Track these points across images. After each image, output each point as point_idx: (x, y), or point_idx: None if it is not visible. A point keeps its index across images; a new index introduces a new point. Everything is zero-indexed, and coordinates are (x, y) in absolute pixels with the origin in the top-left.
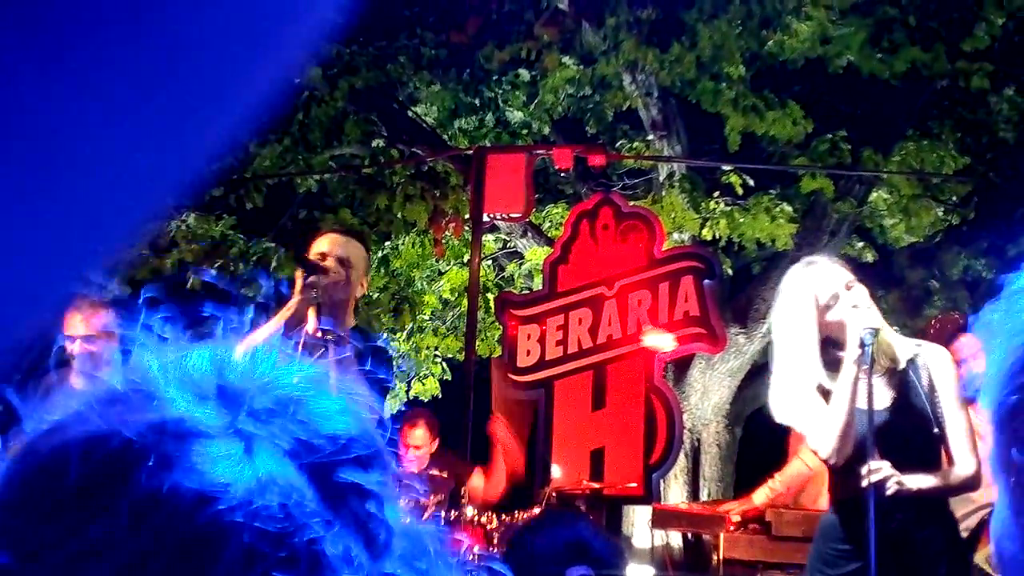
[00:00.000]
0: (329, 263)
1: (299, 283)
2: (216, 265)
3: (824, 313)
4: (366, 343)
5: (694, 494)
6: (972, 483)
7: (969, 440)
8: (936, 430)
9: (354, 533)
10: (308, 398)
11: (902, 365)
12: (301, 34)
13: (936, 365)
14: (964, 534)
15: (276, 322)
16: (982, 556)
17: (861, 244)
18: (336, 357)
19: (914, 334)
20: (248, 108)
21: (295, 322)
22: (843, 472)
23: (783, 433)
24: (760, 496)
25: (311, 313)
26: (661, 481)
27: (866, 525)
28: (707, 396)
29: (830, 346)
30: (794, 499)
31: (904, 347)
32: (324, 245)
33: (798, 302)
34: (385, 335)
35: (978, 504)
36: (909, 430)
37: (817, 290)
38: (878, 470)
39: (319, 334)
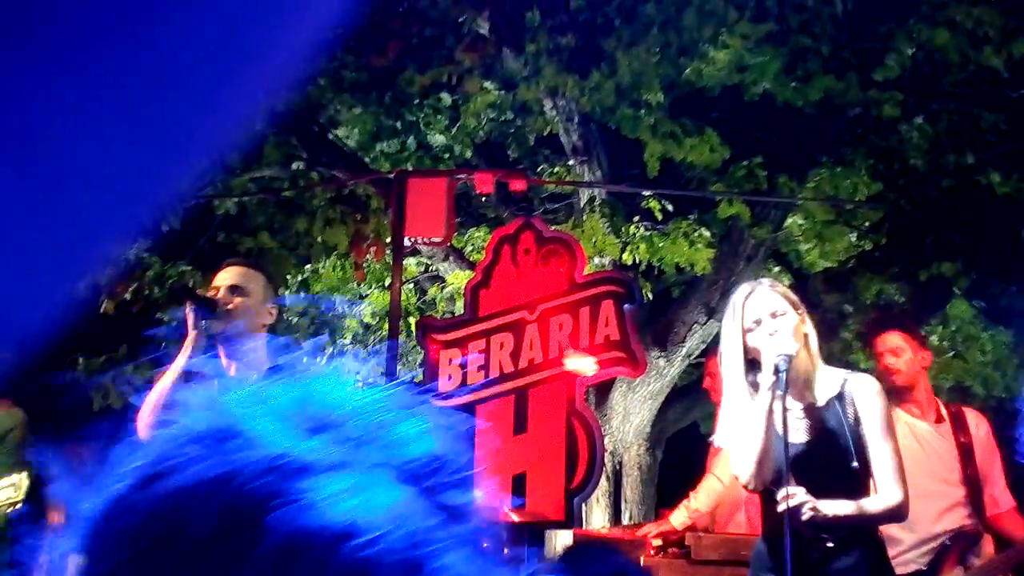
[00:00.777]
0: (219, 294)
1: (189, 318)
2: (131, 289)
3: (746, 336)
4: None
5: (616, 517)
6: (898, 513)
7: (896, 471)
8: (856, 464)
9: (472, 551)
10: (395, 421)
11: (821, 401)
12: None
13: (862, 395)
14: (924, 561)
15: (182, 358)
16: None
17: (777, 268)
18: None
19: (828, 357)
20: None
21: (198, 355)
22: (767, 499)
23: (704, 455)
24: (678, 517)
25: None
26: (583, 505)
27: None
28: (628, 419)
29: (756, 369)
30: (712, 516)
31: (830, 379)
32: (221, 276)
33: (728, 322)
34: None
35: (936, 533)
36: (829, 459)
37: (745, 312)
38: (792, 496)
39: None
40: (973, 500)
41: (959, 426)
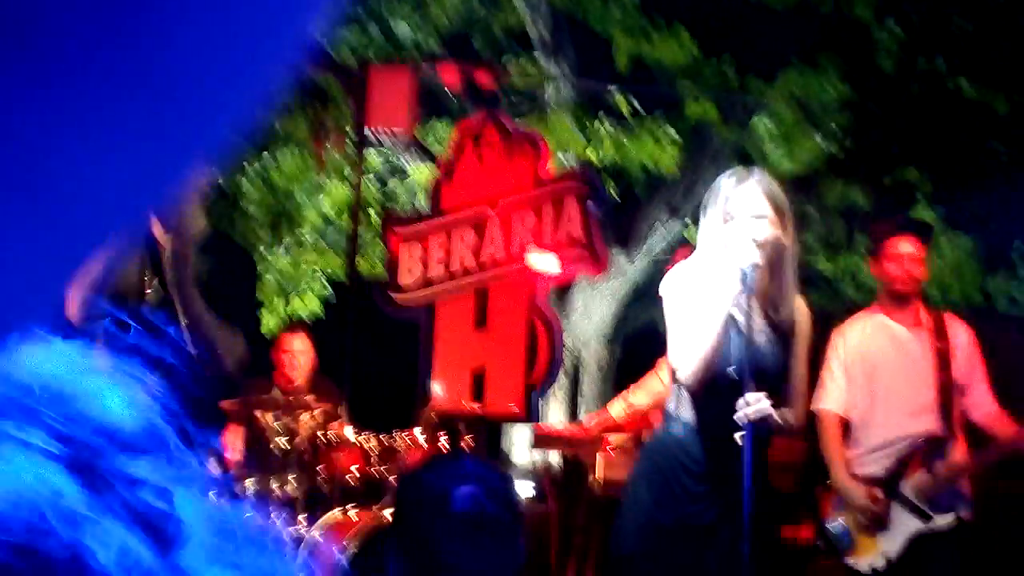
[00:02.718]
0: None
1: None
2: None
3: (724, 224)
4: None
5: (573, 413)
6: (797, 428)
7: (802, 392)
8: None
9: (130, 528)
10: (64, 384)
11: (784, 315)
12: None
13: (799, 316)
14: (889, 463)
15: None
16: (909, 485)
17: (759, 169)
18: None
19: None
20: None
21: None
22: (707, 395)
23: (660, 353)
24: (616, 408)
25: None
26: (541, 400)
27: (741, 456)
28: (588, 317)
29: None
30: (651, 412)
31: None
32: None
33: (712, 209)
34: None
35: (903, 435)
36: (778, 369)
37: (729, 201)
38: (758, 401)
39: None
40: (944, 406)
41: (938, 331)
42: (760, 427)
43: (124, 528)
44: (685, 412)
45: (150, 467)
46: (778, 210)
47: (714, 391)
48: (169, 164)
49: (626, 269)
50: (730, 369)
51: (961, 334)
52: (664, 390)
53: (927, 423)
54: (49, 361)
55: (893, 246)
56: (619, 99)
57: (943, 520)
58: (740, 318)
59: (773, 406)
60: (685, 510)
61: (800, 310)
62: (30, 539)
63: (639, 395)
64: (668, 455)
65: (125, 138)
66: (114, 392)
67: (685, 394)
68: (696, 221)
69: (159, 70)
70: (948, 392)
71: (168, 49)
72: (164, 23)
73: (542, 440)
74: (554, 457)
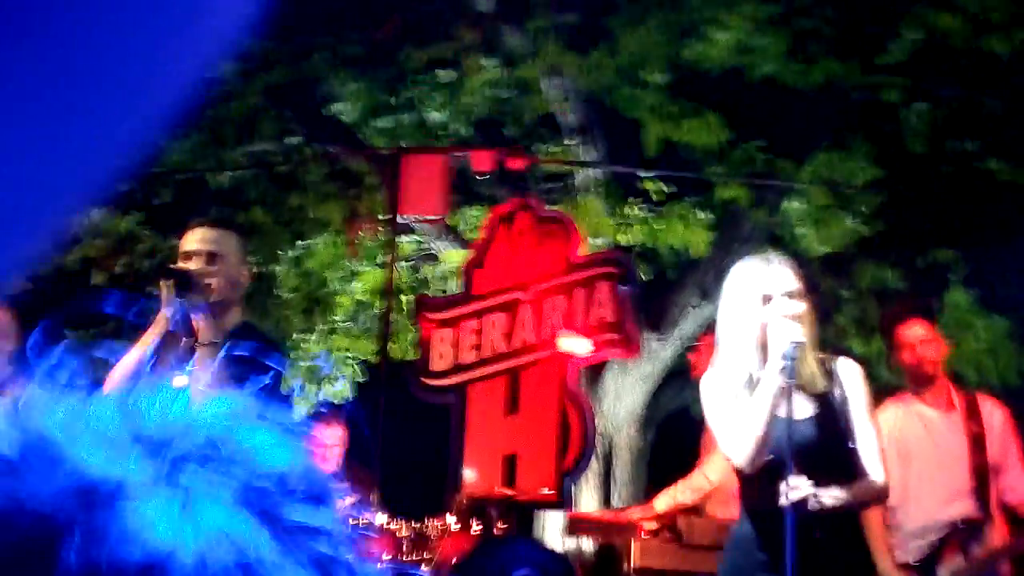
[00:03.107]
0: (195, 265)
1: (164, 295)
2: (122, 262)
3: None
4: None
5: (606, 499)
6: (883, 494)
7: (879, 452)
8: (853, 444)
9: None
10: (237, 434)
11: (822, 387)
12: (215, 29)
13: (850, 379)
14: (927, 550)
15: (145, 342)
16: (946, 572)
17: (774, 253)
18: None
19: (823, 342)
20: (161, 103)
21: (167, 342)
22: (756, 483)
23: (695, 438)
24: (661, 503)
25: (196, 323)
26: (573, 486)
27: (785, 541)
28: (620, 401)
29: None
30: (702, 509)
31: (819, 363)
32: (192, 243)
33: (741, 295)
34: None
35: (940, 520)
36: (827, 444)
37: (758, 287)
38: (796, 488)
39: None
40: (980, 489)
41: (971, 414)
42: (803, 510)
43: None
44: (750, 502)
45: (325, 517)
46: (800, 285)
47: (767, 479)
48: (78, 168)
49: (658, 352)
50: (769, 456)
51: (996, 414)
52: (709, 487)
53: (963, 507)
54: (222, 415)
55: (902, 334)
56: (649, 183)
57: None
58: (782, 397)
59: (822, 484)
60: None
61: (846, 370)
62: None
63: (686, 492)
64: (742, 550)
65: (31, 141)
66: (282, 443)
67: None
68: None
69: (66, 74)
70: (983, 475)
71: (75, 54)
72: (72, 29)
73: (575, 526)
74: (587, 544)
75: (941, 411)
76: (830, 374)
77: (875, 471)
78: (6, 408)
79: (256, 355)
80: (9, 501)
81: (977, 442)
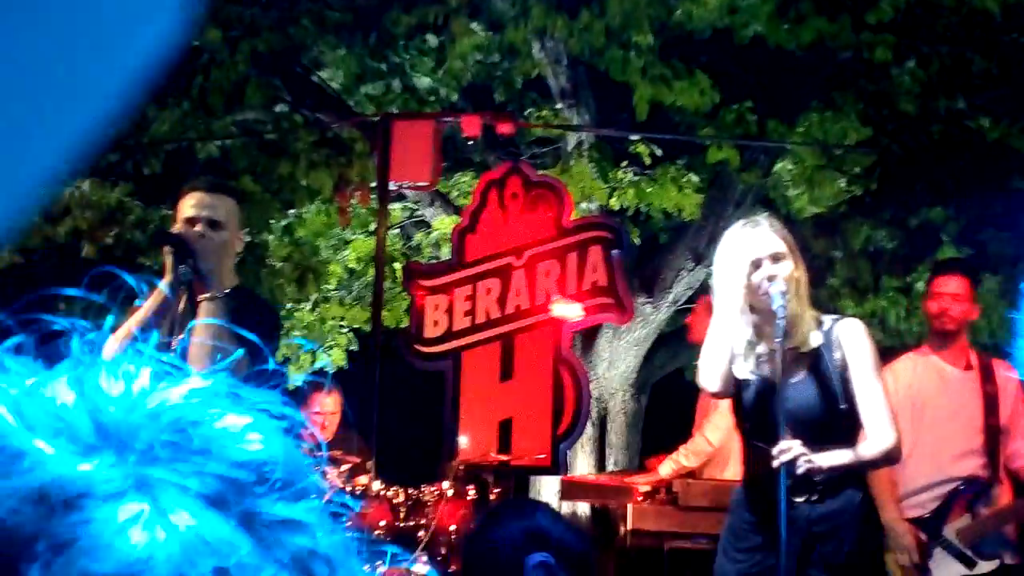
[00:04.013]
0: (199, 232)
1: (168, 262)
2: (112, 233)
3: (746, 274)
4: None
5: (600, 463)
6: (893, 455)
7: (888, 413)
8: (845, 406)
9: (290, 573)
10: (210, 419)
11: (812, 345)
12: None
13: (849, 339)
14: (933, 505)
15: (143, 312)
16: (952, 529)
17: (766, 214)
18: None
19: (816, 303)
20: (135, 70)
21: (166, 308)
22: (752, 448)
23: (689, 402)
24: (666, 468)
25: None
26: (568, 452)
27: (776, 503)
28: (614, 365)
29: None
30: (698, 473)
31: (815, 323)
32: (190, 208)
33: (730, 260)
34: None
35: (948, 477)
36: (819, 407)
37: (747, 251)
38: (788, 449)
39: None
40: (990, 449)
41: (987, 376)
42: (794, 473)
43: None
44: (747, 466)
45: (302, 507)
46: (790, 246)
47: (758, 440)
48: (76, 118)
49: (651, 317)
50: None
51: (1010, 381)
52: (710, 450)
53: (972, 466)
54: (189, 397)
55: (937, 284)
56: (640, 147)
57: (987, 566)
58: (769, 365)
59: (817, 447)
60: (751, 560)
61: (848, 331)
62: None
63: (689, 456)
64: (736, 509)
65: (28, 93)
66: (260, 426)
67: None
68: None
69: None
70: (995, 436)
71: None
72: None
73: (570, 490)
74: (583, 508)
75: (959, 369)
76: (828, 336)
77: (883, 432)
78: None
79: (259, 312)
80: None
81: (991, 403)
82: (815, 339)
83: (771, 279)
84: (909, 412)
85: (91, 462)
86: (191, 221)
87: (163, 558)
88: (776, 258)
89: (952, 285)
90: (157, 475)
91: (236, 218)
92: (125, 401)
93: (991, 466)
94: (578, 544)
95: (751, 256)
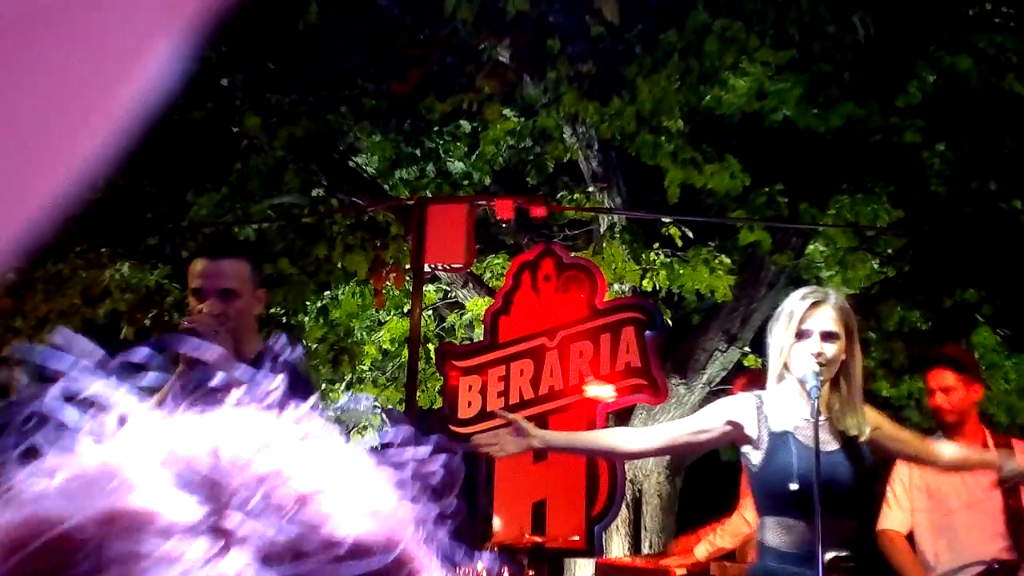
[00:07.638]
0: (209, 311)
1: (180, 369)
2: (151, 315)
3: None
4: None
5: (635, 546)
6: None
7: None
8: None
9: None
10: (318, 496)
11: (865, 436)
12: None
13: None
14: None
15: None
16: None
17: (837, 290)
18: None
19: None
20: (117, 118)
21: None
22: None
23: (724, 484)
24: (702, 550)
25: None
26: (603, 533)
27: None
28: None
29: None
30: (737, 554)
31: (864, 419)
32: (196, 279)
33: (781, 323)
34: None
35: (972, 561)
36: (847, 482)
37: (798, 320)
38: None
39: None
40: (1015, 532)
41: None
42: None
43: None
44: (772, 539)
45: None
46: (848, 331)
47: (787, 509)
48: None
49: (685, 398)
50: (792, 485)
51: None
52: (749, 530)
53: (997, 549)
54: (305, 464)
55: (933, 379)
56: (672, 229)
57: None
58: (807, 433)
59: (848, 517)
60: None
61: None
62: None
63: (724, 537)
64: None
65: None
66: (368, 510)
67: (771, 522)
68: (755, 348)
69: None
70: (1018, 517)
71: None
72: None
73: (605, 572)
74: None
75: None
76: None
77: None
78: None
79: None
80: (49, 512)
81: (1011, 485)
82: (860, 431)
83: (816, 356)
84: (926, 500)
85: (178, 499)
86: (198, 294)
87: None
88: (827, 336)
89: (942, 378)
90: (234, 526)
91: (249, 278)
92: (220, 449)
93: (1017, 547)
94: None
95: (802, 325)
